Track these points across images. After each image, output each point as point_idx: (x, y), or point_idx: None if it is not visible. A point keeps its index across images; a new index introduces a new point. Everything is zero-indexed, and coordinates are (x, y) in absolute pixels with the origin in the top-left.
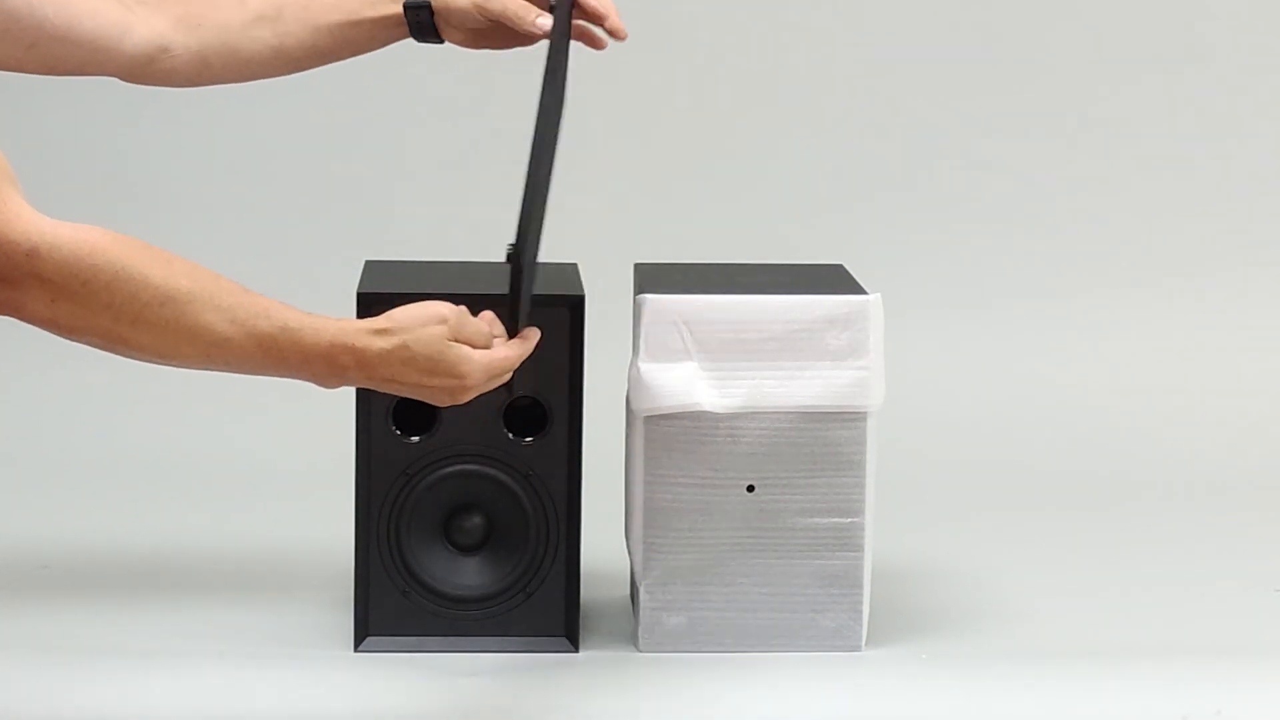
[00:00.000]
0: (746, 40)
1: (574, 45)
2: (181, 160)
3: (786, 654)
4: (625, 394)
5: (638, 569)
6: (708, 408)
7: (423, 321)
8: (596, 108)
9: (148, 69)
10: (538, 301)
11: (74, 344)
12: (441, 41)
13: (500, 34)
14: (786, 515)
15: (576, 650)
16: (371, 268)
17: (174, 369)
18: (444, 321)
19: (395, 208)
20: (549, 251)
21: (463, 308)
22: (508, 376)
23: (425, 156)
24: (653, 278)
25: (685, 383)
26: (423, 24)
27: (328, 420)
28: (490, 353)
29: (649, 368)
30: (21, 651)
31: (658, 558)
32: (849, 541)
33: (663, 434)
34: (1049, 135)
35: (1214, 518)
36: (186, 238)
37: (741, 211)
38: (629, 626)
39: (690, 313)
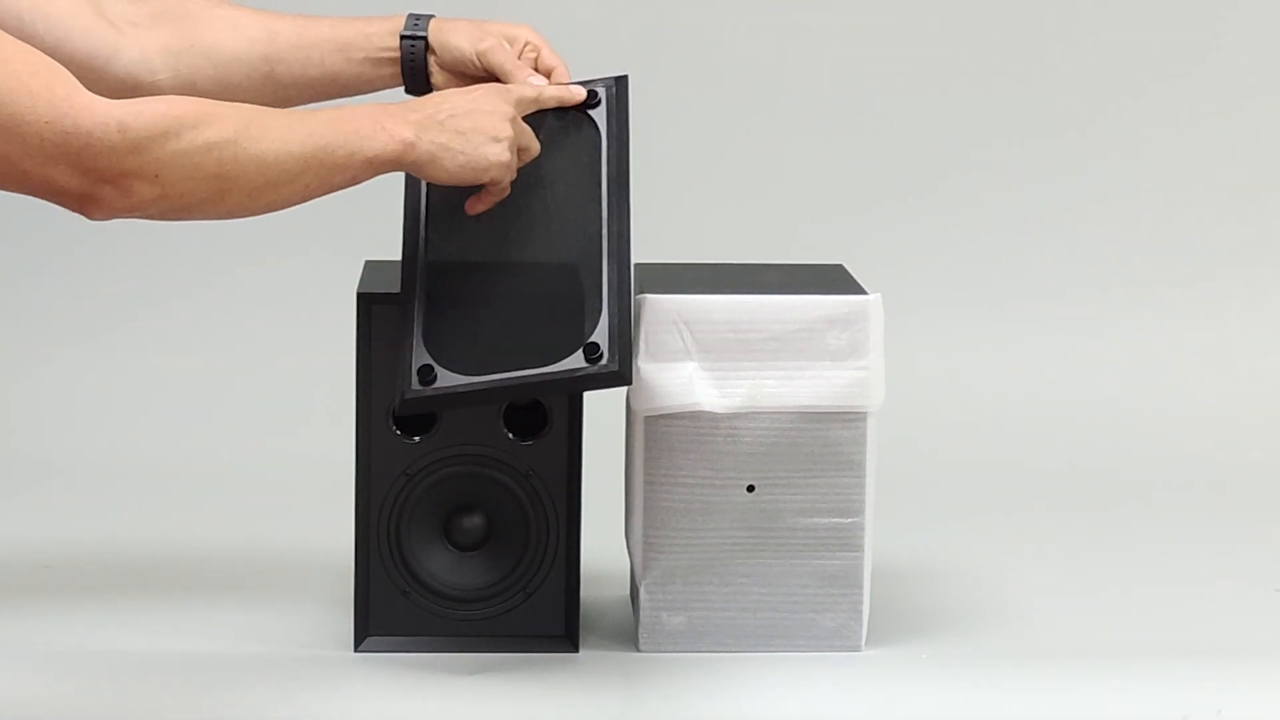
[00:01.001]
0: (746, 41)
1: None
2: None
3: (786, 654)
4: (625, 394)
5: (638, 569)
6: (708, 408)
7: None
8: None
9: (134, 92)
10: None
11: (74, 342)
12: (428, 89)
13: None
14: (786, 515)
15: (576, 650)
16: (371, 268)
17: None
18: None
19: (395, 208)
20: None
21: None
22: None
23: None
24: (653, 278)
25: (685, 383)
26: (416, 58)
27: (328, 420)
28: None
29: (649, 368)
30: (21, 651)
31: (658, 558)
32: (849, 541)
33: (663, 434)
34: (1049, 136)
35: (1214, 518)
36: (186, 237)
37: (742, 212)
38: (629, 626)
39: (690, 313)
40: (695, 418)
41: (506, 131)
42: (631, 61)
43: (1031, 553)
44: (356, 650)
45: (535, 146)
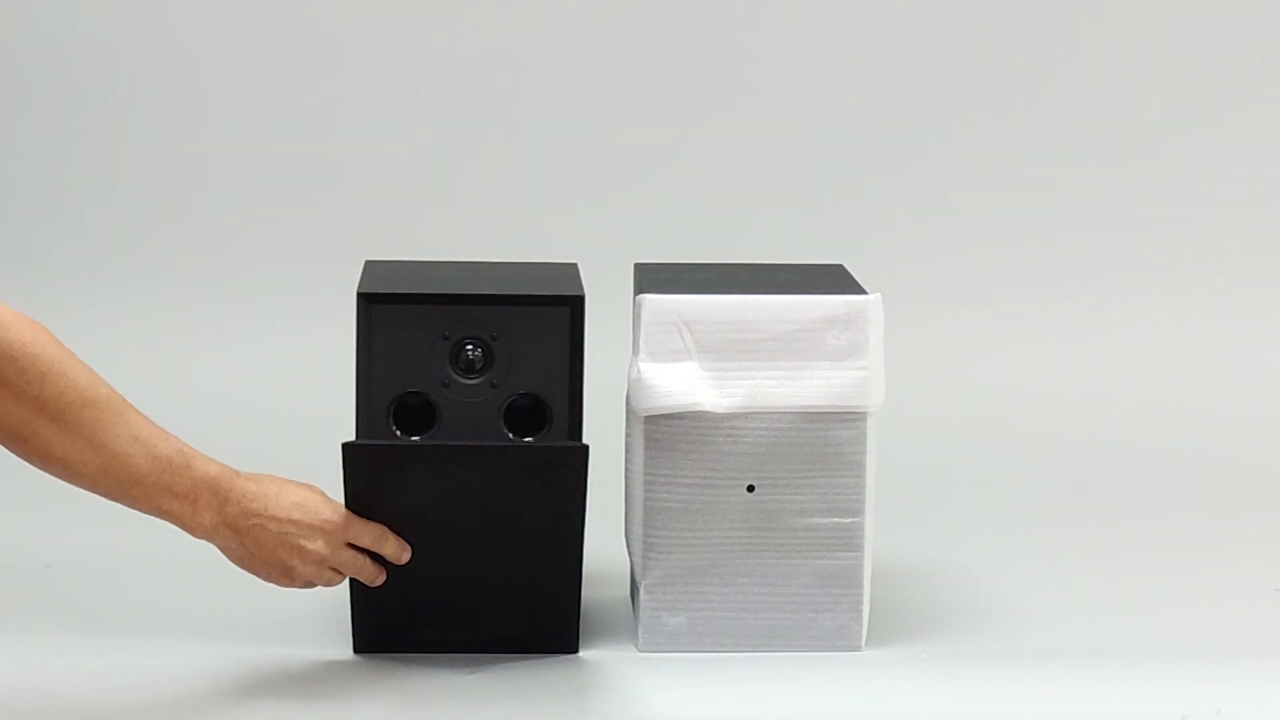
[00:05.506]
0: (747, 40)
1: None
2: (181, 161)
3: (786, 654)
4: (625, 394)
5: (638, 569)
6: (708, 408)
7: (306, 498)
8: (596, 108)
9: None
10: (538, 301)
11: (73, 341)
12: None
13: None
14: (786, 515)
15: (576, 650)
16: (371, 268)
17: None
18: (326, 515)
19: (395, 208)
20: (550, 252)
21: (353, 523)
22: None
23: (426, 156)
24: (653, 278)
25: (685, 383)
26: None
27: (328, 420)
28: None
29: (649, 368)
30: (21, 652)
31: (658, 558)
32: (849, 541)
33: (663, 434)
34: (1049, 137)
35: (1214, 518)
36: (186, 239)
37: (741, 211)
38: (629, 626)
39: (690, 313)
40: (695, 418)
41: (302, 572)
42: (635, 61)
43: (1031, 552)
44: (356, 651)
45: (369, 569)
